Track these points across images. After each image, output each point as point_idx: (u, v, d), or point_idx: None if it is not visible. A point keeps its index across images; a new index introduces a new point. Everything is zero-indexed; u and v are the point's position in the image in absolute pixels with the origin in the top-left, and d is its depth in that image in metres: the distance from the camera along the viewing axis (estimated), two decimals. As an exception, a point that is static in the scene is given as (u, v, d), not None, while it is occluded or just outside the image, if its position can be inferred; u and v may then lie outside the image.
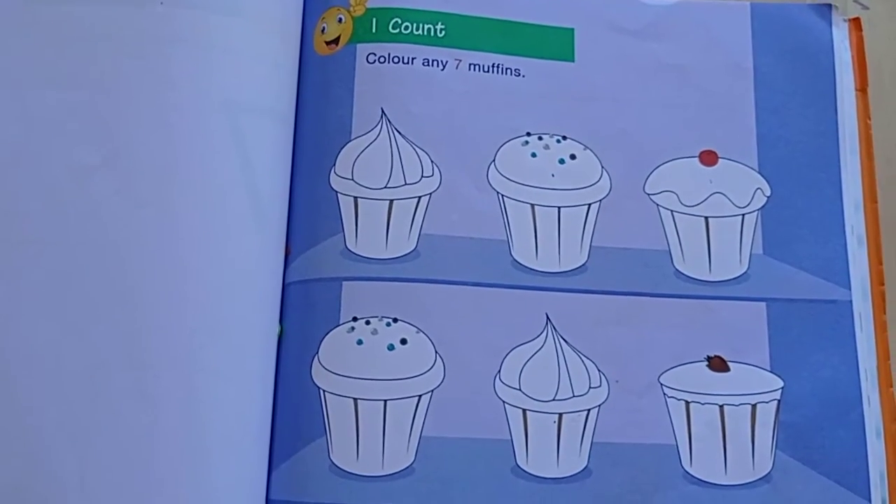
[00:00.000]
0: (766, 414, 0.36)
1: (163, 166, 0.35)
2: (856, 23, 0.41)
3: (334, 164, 0.37)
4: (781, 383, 0.37)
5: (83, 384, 0.33)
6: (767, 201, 0.39)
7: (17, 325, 0.33)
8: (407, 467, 0.34)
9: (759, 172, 0.39)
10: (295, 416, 0.35)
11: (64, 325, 0.33)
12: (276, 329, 0.36)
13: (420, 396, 0.35)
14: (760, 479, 0.36)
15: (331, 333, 0.35)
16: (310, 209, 0.37)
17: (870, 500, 0.36)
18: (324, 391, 0.35)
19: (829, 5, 0.40)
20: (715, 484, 0.36)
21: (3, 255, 0.34)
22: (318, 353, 0.35)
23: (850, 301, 0.38)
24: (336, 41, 0.38)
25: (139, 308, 0.34)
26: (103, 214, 0.34)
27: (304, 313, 0.36)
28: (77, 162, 0.34)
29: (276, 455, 0.35)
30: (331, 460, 0.34)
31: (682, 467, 0.36)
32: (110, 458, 0.33)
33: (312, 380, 0.35)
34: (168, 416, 0.33)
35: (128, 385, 0.33)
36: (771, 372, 0.37)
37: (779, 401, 0.36)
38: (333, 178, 0.37)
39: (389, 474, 0.34)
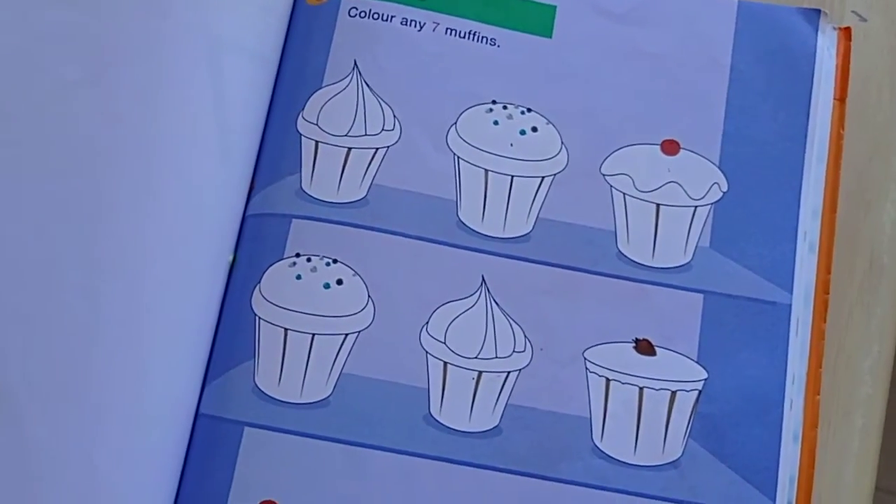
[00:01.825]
0: (685, 402, 0.37)
1: (142, 90, 0.37)
2: (846, 32, 0.41)
3: (303, 109, 0.39)
4: (705, 375, 0.37)
5: (36, 274, 0.36)
6: (723, 197, 0.39)
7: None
8: (323, 399, 0.36)
9: (720, 168, 0.39)
10: (230, 338, 0.37)
11: (27, 219, 0.36)
12: (229, 257, 0.38)
13: (346, 335, 0.37)
14: (668, 463, 0.36)
15: (274, 266, 0.37)
16: (275, 148, 0.39)
17: (774, 501, 0.36)
18: (259, 318, 0.37)
19: (818, 11, 0.40)
20: (622, 461, 0.36)
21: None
22: (259, 282, 0.37)
23: (790, 305, 0.38)
24: (327, -6, 0.40)
25: (101, 214, 0.36)
26: (81, 126, 0.37)
27: (254, 245, 0.38)
28: (63, 77, 0.37)
29: (210, 372, 0.37)
30: (254, 382, 0.36)
31: (593, 441, 0.37)
32: (52, 348, 0.35)
33: (251, 306, 0.37)
34: (112, 317, 0.35)
35: (77, 282, 0.35)
36: (697, 362, 0.37)
37: (700, 391, 0.37)
38: (300, 122, 0.38)
39: (306, 403, 0.36)
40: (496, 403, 0.37)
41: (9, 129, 0.37)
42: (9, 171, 0.36)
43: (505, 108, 0.39)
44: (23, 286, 0.36)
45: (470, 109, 0.39)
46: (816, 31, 0.40)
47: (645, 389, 0.37)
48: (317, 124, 0.38)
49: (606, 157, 0.39)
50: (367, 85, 0.39)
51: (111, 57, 0.37)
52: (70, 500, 0.34)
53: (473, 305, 0.37)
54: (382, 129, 0.38)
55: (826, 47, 0.40)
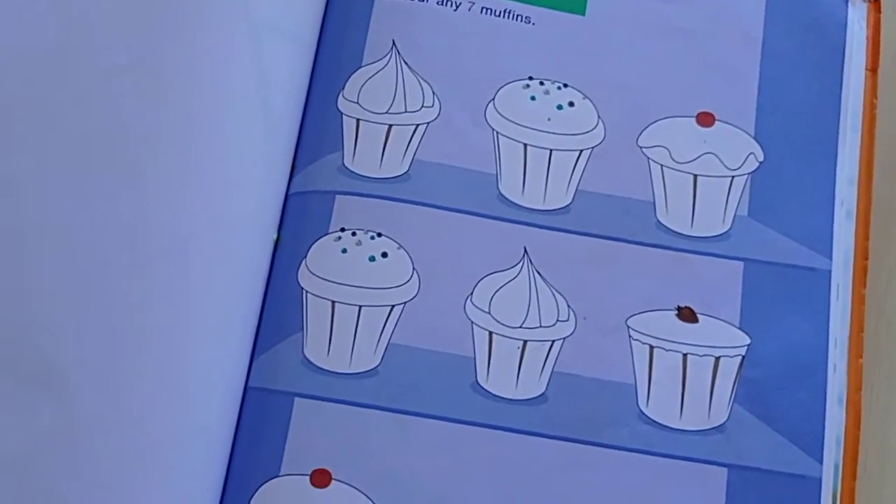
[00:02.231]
0: (729, 367, 0.37)
1: (186, 73, 0.38)
2: (875, 4, 0.41)
3: (343, 88, 0.39)
4: (748, 340, 0.37)
5: (87, 255, 0.36)
6: (759, 166, 0.39)
7: (33, 198, 0.37)
8: (372, 369, 0.37)
9: (755, 138, 0.40)
10: (278, 312, 0.37)
11: (76, 203, 0.37)
12: (273, 235, 0.39)
13: (393, 306, 0.37)
14: (714, 428, 0.37)
15: (319, 241, 0.38)
16: (315, 128, 0.39)
17: (821, 463, 0.36)
18: (306, 292, 0.37)
19: (848, -16, 0.41)
20: (668, 427, 0.37)
21: (33, 138, 0.37)
22: (305, 257, 0.38)
23: (830, 271, 0.38)
24: (364, -24, 0.41)
25: (148, 195, 0.37)
26: (127, 109, 0.37)
27: (299, 222, 0.38)
28: (109, 61, 0.38)
29: (258, 347, 0.37)
30: (303, 354, 0.37)
31: (638, 406, 0.37)
32: (103, 327, 0.36)
33: (297, 281, 0.37)
34: (160, 295, 0.36)
35: (126, 260, 0.36)
36: (739, 328, 0.38)
37: (743, 357, 0.37)
38: (341, 101, 0.39)
39: (355, 373, 0.36)
40: (542, 371, 0.37)
41: (56, 113, 0.38)
42: (57, 155, 0.37)
43: (541, 83, 0.40)
44: (73, 267, 0.36)
45: (507, 86, 0.40)
46: (846, 3, 0.41)
47: (688, 356, 0.37)
48: (357, 103, 0.39)
49: (643, 130, 0.40)
50: (406, 63, 0.39)
51: (156, 41, 0.38)
52: (122, 475, 0.35)
53: (516, 276, 0.38)
54: (422, 106, 0.39)
55: (857, 19, 0.41)
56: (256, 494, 0.35)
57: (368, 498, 0.35)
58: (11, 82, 0.37)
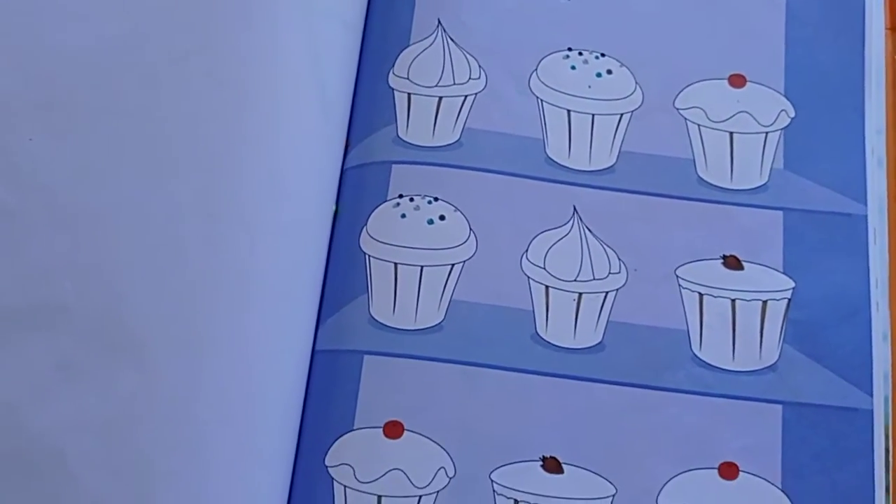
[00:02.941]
0: (776, 310, 0.39)
1: (247, 56, 0.40)
2: (890, -33, 0.44)
3: (393, 66, 0.42)
4: (793, 284, 0.39)
5: (162, 229, 0.38)
6: (791, 122, 0.41)
7: (111, 180, 0.39)
8: (437, 324, 0.38)
9: (785, 96, 0.42)
10: (342, 278, 0.39)
11: (150, 182, 0.39)
12: (332, 208, 0.41)
13: (453, 265, 0.39)
14: (766, 367, 0.38)
15: (379, 208, 0.40)
16: (369, 104, 0.41)
17: (872, 396, 0.38)
18: (369, 256, 0.39)
19: (865, -54, 0.44)
20: (722, 368, 0.38)
21: (106, 123, 0.40)
22: (366, 224, 0.40)
23: (866, 216, 0.40)
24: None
25: (215, 172, 0.39)
26: (192, 92, 0.40)
27: (357, 192, 0.40)
28: (175, 46, 0.40)
29: (323, 312, 0.39)
30: (370, 314, 0.38)
31: (692, 351, 0.38)
32: (177, 295, 0.38)
33: (360, 247, 0.39)
34: (231, 263, 0.38)
35: (198, 232, 0.38)
36: (783, 273, 0.39)
37: (789, 299, 0.39)
38: (391, 78, 0.41)
39: (421, 329, 0.38)
40: (598, 321, 0.39)
41: (129, 99, 0.40)
42: (131, 138, 0.39)
43: (580, 54, 0.42)
44: (149, 242, 0.38)
45: (548, 57, 0.42)
46: (863, -35, 0.43)
47: (737, 301, 0.39)
48: (408, 78, 0.41)
49: (678, 94, 0.42)
50: (452, 40, 0.42)
51: (219, 28, 0.40)
52: (201, 436, 0.36)
53: (568, 233, 0.40)
54: (469, 79, 0.41)
55: (874, -19, 0.43)
56: (332, 448, 0.37)
57: (439, 445, 0.37)
58: (87, 73, 0.40)
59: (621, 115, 0.41)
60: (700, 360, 0.38)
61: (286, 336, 0.39)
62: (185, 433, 0.37)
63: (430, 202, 0.40)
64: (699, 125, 0.41)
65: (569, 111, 0.41)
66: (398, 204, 0.40)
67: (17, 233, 0.39)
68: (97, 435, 0.37)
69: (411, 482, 0.36)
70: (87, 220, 0.39)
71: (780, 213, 0.40)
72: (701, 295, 0.39)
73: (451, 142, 0.41)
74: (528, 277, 0.39)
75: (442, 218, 0.39)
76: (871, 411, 0.38)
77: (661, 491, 0.37)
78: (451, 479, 0.37)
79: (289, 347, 0.39)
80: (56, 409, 0.37)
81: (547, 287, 0.39)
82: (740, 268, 0.40)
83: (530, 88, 0.41)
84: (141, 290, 0.38)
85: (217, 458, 0.36)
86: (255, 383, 0.38)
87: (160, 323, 0.38)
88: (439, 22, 0.42)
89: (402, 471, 0.36)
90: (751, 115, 0.41)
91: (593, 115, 0.41)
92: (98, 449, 0.36)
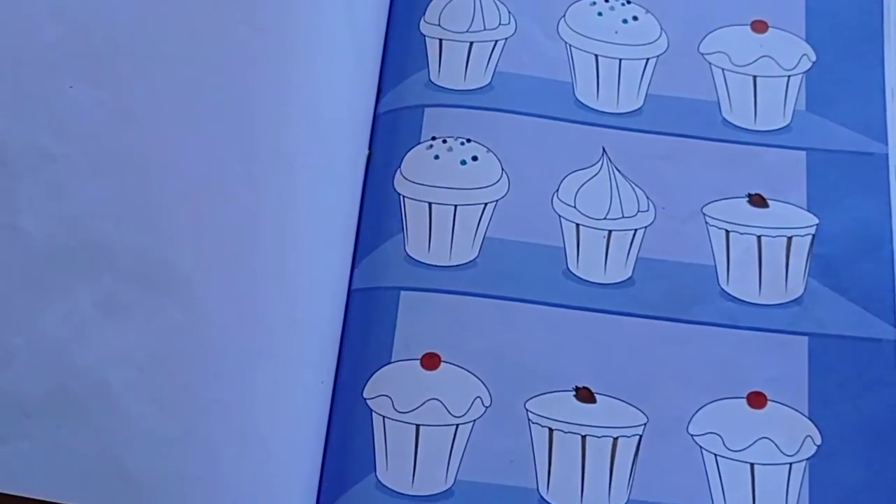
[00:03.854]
0: (801, 245, 0.40)
1: (282, 3, 0.41)
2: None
3: (424, 13, 0.43)
4: (816, 220, 0.40)
5: (204, 169, 0.39)
6: (812, 65, 0.42)
7: (151, 124, 0.40)
8: (471, 261, 0.39)
9: (806, 41, 0.43)
10: (377, 217, 0.40)
11: (191, 125, 0.40)
12: (366, 152, 0.42)
13: (486, 204, 0.40)
14: (792, 301, 0.39)
15: (412, 150, 0.41)
16: (400, 51, 0.42)
17: (895, 326, 0.39)
18: (403, 196, 0.40)
19: None
20: (749, 302, 0.39)
21: (146, 69, 0.41)
22: (400, 166, 0.41)
23: (887, 154, 0.41)
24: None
25: (254, 112, 0.40)
26: (229, 36, 0.41)
27: (390, 136, 0.41)
28: (213, -6, 0.41)
29: (359, 252, 0.40)
30: (406, 252, 0.39)
31: (720, 285, 0.39)
32: (220, 235, 0.39)
33: (394, 188, 0.40)
34: (271, 203, 0.39)
35: (239, 171, 0.39)
36: (807, 210, 0.40)
37: (813, 235, 0.40)
38: (423, 25, 0.42)
39: (456, 265, 0.39)
40: (627, 257, 0.40)
41: (170, 45, 0.41)
42: (171, 82, 0.40)
43: (606, 0, 0.43)
44: (191, 183, 0.39)
45: (575, 3, 0.43)
46: (881, -88, 0.44)
47: (762, 237, 0.40)
48: (439, 25, 0.42)
49: (703, 39, 0.43)
50: (481, -13, 0.43)
51: (255, -24, 0.42)
52: (244, 368, 0.37)
53: (598, 173, 0.41)
54: (499, 24, 0.42)
55: (891, -73, 0.44)
56: (371, 380, 0.38)
57: (475, 376, 0.38)
58: (127, 21, 0.41)
59: (647, 59, 0.42)
60: (727, 294, 0.39)
61: (324, 272, 0.40)
62: (229, 365, 0.38)
63: (462, 144, 0.41)
64: (723, 69, 0.42)
65: (596, 56, 0.42)
66: (431, 146, 0.41)
67: (59, 177, 0.40)
68: (142, 369, 0.38)
69: (448, 411, 0.37)
70: (129, 164, 0.40)
71: (804, 152, 0.41)
72: (727, 232, 0.40)
73: (482, 85, 0.42)
74: (559, 216, 0.40)
75: (475, 159, 0.41)
76: (894, 341, 0.39)
77: (691, 420, 0.38)
78: (487, 408, 0.38)
79: (327, 283, 0.40)
80: (101, 344, 0.38)
81: (577, 225, 0.40)
82: (765, 205, 0.41)
83: (559, 34, 0.42)
84: (183, 229, 0.39)
85: (260, 389, 0.38)
86: (295, 318, 0.39)
87: (203, 261, 0.39)
88: (469, -31, 0.43)
89: (439, 400, 0.38)
90: (773, 59, 0.42)
91: (620, 60, 0.42)
92: (144, 382, 0.37)
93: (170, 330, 0.38)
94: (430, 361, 0.38)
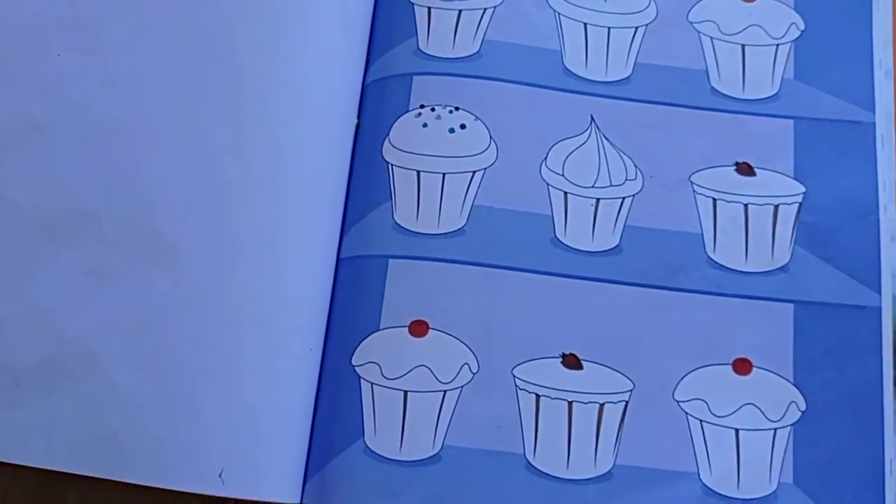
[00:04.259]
0: (787, 214, 0.40)
1: (268, -29, 0.41)
2: None
3: (413, -19, 0.43)
4: (803, 189, 0.40)
5: (191, 138, 0.39)
6: (801, 35, 0.42)
7: (138, 93, 0.40)
8: (459, 228, 0.39)
9: (795, 10, 0.43)
10: (366, 186, 0.40)
11: (177, 93, 0.40)
12: (354, 121, 0.42)
13: (474, 172, 0.40)
14: (778, 268, 0.39)
15: (400, 118, 0.41)
16: (389, 19, 0.42)
17: (880, 294, 0.39)
18: (391, 165, 0.40)
19: None
20: (735, 270, 0.39)
21: (132, 37, 0.40)
22: (388, 134, 0.41)
23: (874, 123, 0.41)
24: None
25: (242, 82, 0.40)
26: (216, 4, 0.40)
27: (378, 105, 0.41)
28: (199, -37, 0.41)
29: (348, 221, 0.40)
30: (394, 220, 0.40)
31: (706, 253, 0.40)
32: (208, 203, 0.39)
33: (382, 156, 0.40)
34: (259, 172, 0.39)
35: (226, 141, 0.39)
36: (794, 179, 0.41)
37: (800, 203, 0.40)
38: (411, -7, 0.42)
39: (444, 233, 0.39)
40: (615, 225, 0.40)
41: (154, 11, 0.41)
42: (158, 50, 0.40)
43: (596, -32, 0.43)
44: (178, 152, 0.39)
45: (564, -27, 0.43)
46: None
47: (749, 206, 0.40)
48: (427, -7, 0.42)
49: (691, 8, 0.43)
50: (470, -45, 0.43)
51: (240, -56, 0.41)
52: (231, 336, 0.38)
53: (586, 141, 0.41)
54: (488, -8, 0.42)
55: None
56: (359, 347, 0.38)
57: (463, 343, 0.38)
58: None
59: (636, 28, 0.42)
60: (714, 261, 0.40)
61: (313, 240, 0.40)
62: (216, 333, 0.38)
63: (451, 112, 0.41)
64: (712, 38, 0.42)
65: (585, 24, 0.42)
66: (419, 114, 0.41)
67: (47, 146, 0.40)
68: (130, 336, 0.38)
69: (436, 378, 0.38)
70: (116, 132, 0.40)
71: (791, 121, 0.41)
72: (714, 200, 0.40)
73: (471, 53, 0.41)
74: (547, 184, 0.40)
75: (463, 127, 0.41)
76: (880, 308, 0.39)
77: (677, 386, 0.38)
78: (474, 374, 0.38)
79: (315, 251, 0.40)
80: (89, 313, 0.38)
81: (566, 193, 0.40)
82: (752, 174, 0.41)
83: (548, 2, 0.42)
84: (171, 197, 0.39)
85: (248, 356, 0.38)
86: (284, 286, 0.39)
87: (191, 229, 0.39)
88: (457, -62, 0.43)
89: (427, 367, 0.38)
90: (762, 28, 0.42)
91: (609, 28, 0.42)
92: (131, 349, 0.38)
93: (157, 298, 0.38)
94: (418, 328, 0.38)
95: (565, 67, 0.42)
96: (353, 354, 0.38)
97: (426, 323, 0.38)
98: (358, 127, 0.42)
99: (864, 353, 0.38)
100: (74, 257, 0.39)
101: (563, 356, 0.38)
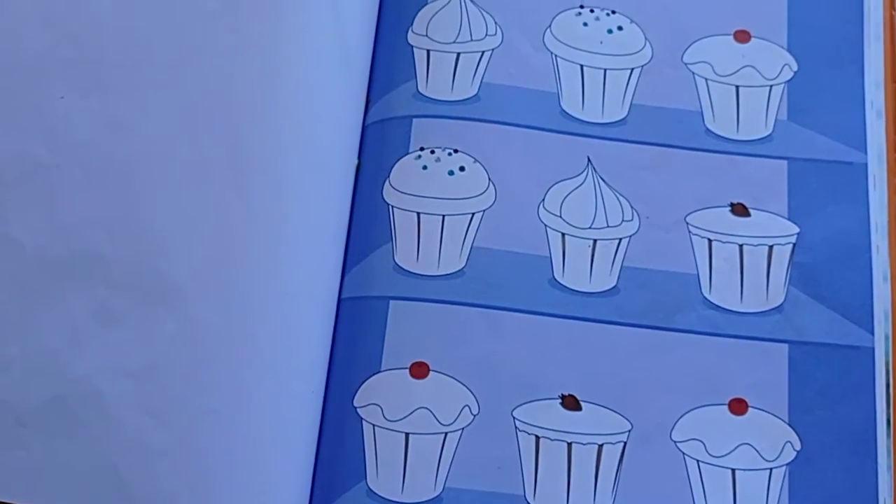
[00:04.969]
0: (782, 254, 0.41)
1: (269, 14, 0.41)
2: (887, -75, 0.45)
3: (411, 24, 0.43)
4: (797, 229, 0.41)
5: (193, 179, 0.40)
6: (794, 75, 0.43)
7: (141, 134, 0.40)
8: (459, 270, 0.40)
9: (788, 51, 0.43)
10: (366, 228, 0.41)
11: (180, 135, 0.40)
12: (355, 162, 0.42)
13: (473, 214, 0.41)
14: (773, 309, 0.40)
15: (401, 160, 0.41)
16: (388, 61, 0.43)
17: (873, 334, 0.40)
18: (392, 206, 0.41)
19: None
20: (731, 310, 0.40)
21: (136, 79, 0.41)
22: (388, 176, 0.41)
23: (866, 164, 0.42)
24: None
25: (241, 124, 0.40)
26: (218, 48, 0.41)
27: (379, 146, 0.42)
28: (202, 7, 0.41)
29: (349, 261, 0.41)
30: (395, 261, 0.40)
31: (702, 294, 0.40)
32: (212, 242, 0.39)
33: (383, 198, 0.41)
34: (260, 213, 0.39)
35: (229, 182, 0.39)
36: (788, 219, 0.41)
37: (794, 244, 0.41)
38: (410, 36, 0.43)
39: (444, 274, 0.40)
40: (612, 266, 0.40)
41: (158, 56, 0.41)
42: (160, 92, 0.41)
43: (592, 11, 0.43)
44: (181, 194, 0.40)
45: (561, 14, 0.43)
46: (861, -77, 0.45)
47: (744, 246, 0.41)
48: (426, 35, 0.43)
49: (686, 49, 0.43)
50: (469, -1, 0.44)
51: (240, -13, 0.42)
52: (236, 378, 0.38)
53: (583, 183, 0.41)
54: (486, 35, 0.43)
55: (870, -62, 0.45)
56: (360, 389, 0.39)
57: (463, 385, 0.39)
58: (116, 31, 0.41)
59: (632, 69, 0.43)
60: (710, 302, 0.40)
61: (314, 282, 0.40)
62: (221, 375, 0.38)
63: (450, 154, 0.41)
64: (706, 79, 0.43)
65: (582, 66, 0.43)
66: (419, 156, 0.41)
67: (52, 187, 0.40)
68: (136, 378, 0.38)
69: (437, 420, 0.38)
70: (120, 173, 0.40)
71: (785, 162, 0.42)
72: (710, 241, 0.41)
73: (469, 96, 0.42)
74: (545, 225, 0.41)
75: (462, 169, 0.41)
76: (873, 349, 0.40)
77: (674, 426, 0.39)
78: (475, 416, 0.38)
79: (317, 293, 0.40)
80: (94, 354, 0.38)
81: (563, 234, 0.41)
82: (747, 214, 0.41)
83: (545, 44, 0.43)
84: (175, 239, 0.39)
85: (251, 398, 0.38)
86: (286, 327, 0.39)
87: (194, 270, 0.39)
88: (456, -20, 0.44)
89: (428, 409, 0.38)
90: (755, 69, 0.43)
91: (605, 70, 0.43)
92: (137, 392, 0.38)
93: (162, 340, 0.38)
94: (419, 370, 0.39)
95: (562, 109, 0.42)
96: (354, 396, 0.39)
97: (427, 365, 0.39)
98: (358, 168, 0.42)
99: (857, 393, 0.39)
100: (79, 299, 0.39)
101: (563, 397, 0.39)
